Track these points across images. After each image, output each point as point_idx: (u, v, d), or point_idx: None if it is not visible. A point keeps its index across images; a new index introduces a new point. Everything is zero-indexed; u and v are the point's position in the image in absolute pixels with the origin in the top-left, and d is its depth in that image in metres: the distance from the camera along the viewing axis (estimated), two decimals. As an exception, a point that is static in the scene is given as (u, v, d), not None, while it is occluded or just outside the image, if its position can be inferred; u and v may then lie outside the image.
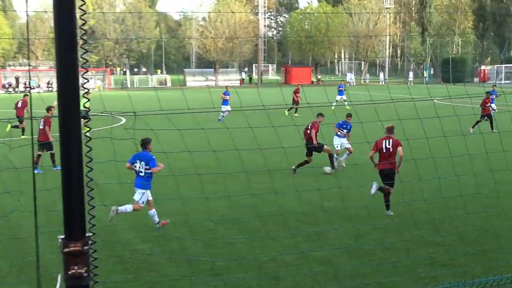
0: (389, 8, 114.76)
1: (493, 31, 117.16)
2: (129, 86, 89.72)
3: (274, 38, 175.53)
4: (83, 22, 4.73)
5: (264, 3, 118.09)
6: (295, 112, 39.67)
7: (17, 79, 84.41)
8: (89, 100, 4.86)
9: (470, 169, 18.53)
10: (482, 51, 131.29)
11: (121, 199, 14.31)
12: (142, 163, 13.46)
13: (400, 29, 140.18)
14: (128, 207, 13.38)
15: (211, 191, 15.90)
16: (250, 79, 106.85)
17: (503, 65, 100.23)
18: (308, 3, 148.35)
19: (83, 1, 4.68)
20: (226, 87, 42.06)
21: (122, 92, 73.24)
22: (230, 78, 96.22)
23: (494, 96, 33.44)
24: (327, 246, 11.87)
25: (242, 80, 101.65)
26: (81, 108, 4.20)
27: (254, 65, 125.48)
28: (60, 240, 4.28)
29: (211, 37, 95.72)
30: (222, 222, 13.65)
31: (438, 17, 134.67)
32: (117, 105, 44.89)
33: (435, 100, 46.35)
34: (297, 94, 41.80)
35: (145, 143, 13.65)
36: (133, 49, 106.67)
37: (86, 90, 4.86)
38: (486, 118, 30.91)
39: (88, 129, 5.00)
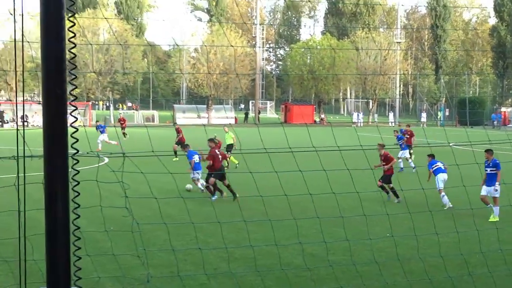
0: (400, 42, 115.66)
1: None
2: (112, 122, 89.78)
3: (273, 72, 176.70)
4: (73, 55, 4.76)
5: (263, 34, 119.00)
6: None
7: (1, 113, 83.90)
8: (77, 140, 4.85)
9: (492, 222, 18.51)
10: (503, 91, 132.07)
11: (105, 247, 14.27)
12: None
13: (411, 65, 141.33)
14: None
15: (202, 241, 15.82)
16: (246, 116, 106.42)
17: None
18: (311, 35, 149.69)
19: (74, 33, 4.70)
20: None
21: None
22: (224, 116, 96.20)
23: None
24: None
25: (237, 119, 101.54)
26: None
27: (250, 102, 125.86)
28: (41, 292, 4.28)
29: (208, 73, 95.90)
30: (215, 275, 13.54)
31: (453, 53, 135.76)
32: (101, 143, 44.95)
33: (452, 145, 46.54)
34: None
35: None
36: (118, 82, 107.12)
37: (75, 130, 4.85)
38: None
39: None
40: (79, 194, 4.87)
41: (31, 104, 78.22)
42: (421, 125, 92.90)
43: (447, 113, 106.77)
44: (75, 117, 4.87)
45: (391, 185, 23.62)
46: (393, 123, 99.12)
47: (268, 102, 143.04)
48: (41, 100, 4.37)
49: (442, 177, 22.28)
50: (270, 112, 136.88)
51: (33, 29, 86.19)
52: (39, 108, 79.47)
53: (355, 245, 15.22)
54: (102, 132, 46.41)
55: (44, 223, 4.34)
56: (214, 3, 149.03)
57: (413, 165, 34.56)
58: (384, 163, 23.99)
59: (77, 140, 4.78)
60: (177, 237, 16.12)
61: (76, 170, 4.81)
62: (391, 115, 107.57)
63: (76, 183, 4.85)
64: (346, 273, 13.83)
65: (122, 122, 59.84)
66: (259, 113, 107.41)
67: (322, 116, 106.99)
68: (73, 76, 4.86)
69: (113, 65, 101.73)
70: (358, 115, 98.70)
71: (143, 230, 14.03)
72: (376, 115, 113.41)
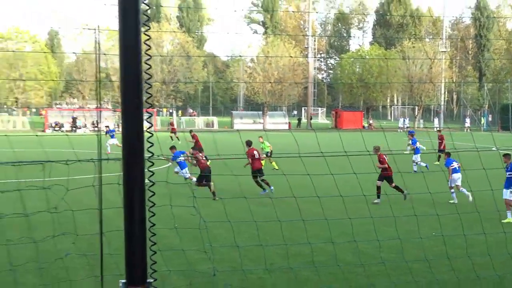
0: (445, 52, 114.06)
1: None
2: (175, 127, 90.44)
3: (324, 81, 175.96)
4: (148, 66, 4.85)
5: (314, 45, 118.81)
6: None
7: (74, 119, 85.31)
8: (152, 144, 4.94)
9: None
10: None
11: (172, 243, 14.46)
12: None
13: (456, 73, 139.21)
14: None
15: (261, 238, 15.88)
16: (299, 122, 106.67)
17: None
18: (360, 46, 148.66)
19: (149, 46, 4.80)
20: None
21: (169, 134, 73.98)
22: (278, 121, 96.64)
23: None
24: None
25: (290, 124, 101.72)
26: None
27: (303, 108, 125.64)
28: (121, 284, 4.36)
29: (263, 82, 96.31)
30: (273, 270, 13.58)
31: (497, 61, 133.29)
32: (167, 147, 45.30)
33: (496, 149, 45.67)
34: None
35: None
36: (180, 90, 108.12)
37: (151, 134, 4.94)
38: None
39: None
40: (154, 193, 4.96)
41: (101, 111, 79.48)
42: (465, 130, 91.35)
43: (490, 119, 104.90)
44: (150, 123, 4.96)
45: (393, 184, 23.45)
46: (437, 128, 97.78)
47: (319, 108, 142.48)
48: (110, 107, 4.45)
49: (456, 176, 23.69)
50: (321, 118, 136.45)
51: (102, 42, 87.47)
52: (108, 115, 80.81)
53: (404, 243, 15.08)
54: (112, 136, 46.50)
55: (123, 220, 4.42)
56: (269, 16, 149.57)
57: (423, 164, 33.64)
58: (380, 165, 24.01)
59: (152, 144, 4.87)
60: (237, 235, 16.19)
61: (151, 172, 4.90)
62: (436, 120, 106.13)
63: (152, 183, 4.94)
64: (396, 270, 13.71)
65: (172, 127, 61.30)
66: (311, 119, 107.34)
67: (370, 121, 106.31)
68: (148, 86, 4.94)
69: (175, 74, 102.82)
70: (404, 120, 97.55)
71: (206, 228, 14.17)
72: (421, 121, 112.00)
